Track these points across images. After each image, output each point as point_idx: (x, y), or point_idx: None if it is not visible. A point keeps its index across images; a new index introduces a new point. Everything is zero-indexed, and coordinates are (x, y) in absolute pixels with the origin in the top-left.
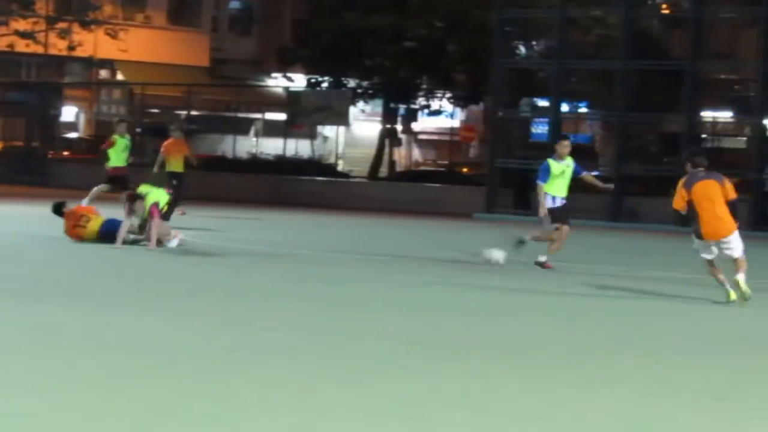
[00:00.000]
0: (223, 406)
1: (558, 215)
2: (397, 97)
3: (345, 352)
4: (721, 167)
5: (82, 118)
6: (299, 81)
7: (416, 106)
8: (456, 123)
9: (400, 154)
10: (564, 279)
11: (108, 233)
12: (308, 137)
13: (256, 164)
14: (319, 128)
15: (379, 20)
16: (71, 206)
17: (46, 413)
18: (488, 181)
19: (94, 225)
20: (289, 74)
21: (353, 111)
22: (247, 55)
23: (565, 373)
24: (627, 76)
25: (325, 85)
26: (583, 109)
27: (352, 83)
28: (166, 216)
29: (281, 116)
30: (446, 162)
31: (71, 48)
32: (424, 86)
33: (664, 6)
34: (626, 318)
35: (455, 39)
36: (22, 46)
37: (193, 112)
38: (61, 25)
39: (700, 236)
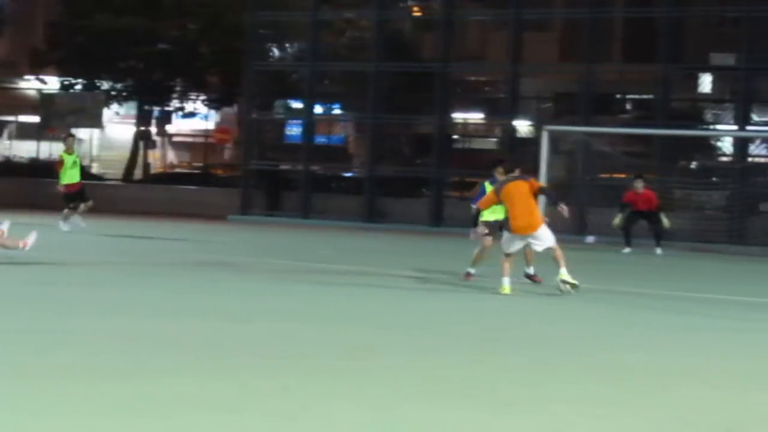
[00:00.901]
0: None
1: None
2: (151, 99)
3: (93, 354)
4: (472, 168)
5: None
6: (53, 83)
7: (170, 109)
8: (210, 125)
9: (154, 157)
10: (320, 279)
11: None
12: (62, 140)
13: (9, 167)
14: (73, 131)
15: (132, 22)
16: None
17: None
18: (242, 183)
19: None
20: (42, 76)
21: (107, 113)
22: None
23: (317, 372)
24: (380, 78)
25: (78, 87)
26: (336, 111)
27: (105, 85)
28: None
29: (35, 119)
30: (201, 164)
31: None
32: (178, 88)
33: (415, 9)
34: (383, 317)
35: (209, 41)
36: None
37: None
38: None
39: (509, 230)
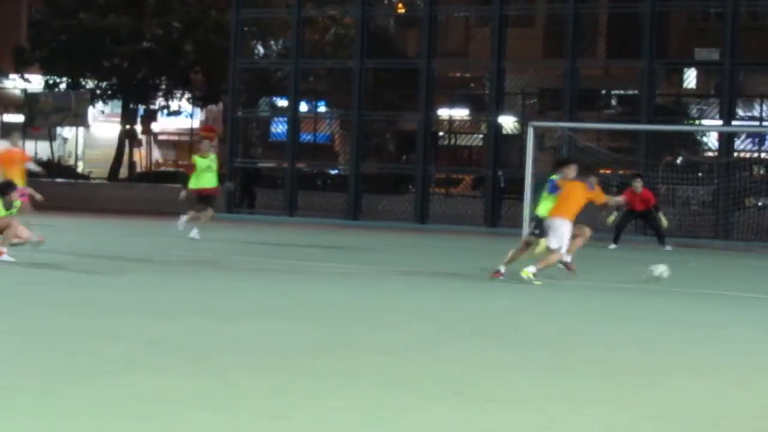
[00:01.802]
0: None
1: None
2: (136, 97)
3: (81, 354)
4: (457, 165)
5: None
6: (37, 82)
7: (155, 107)
8: (196, 123)
9: (140, 155)
10: (307, 277)
11: None
12: (47, 139)
13: None
14: (59, 130)
15: (116, 20)
16: None
17: None
18: (228, 181)
19: None
20: (26, 75)
21: (92, 112)
22: None
23: (306, 371)
24: (364, 75)
25: (63, 86)
26: (321, 108)
27: (90, 84)
28: None
29: (19, 118)
30: (186, 162)
31: None
32: (163, 87)
33: (399, 5)
34: (371, 316)
35: (193, 39)
36: None
37: None
38: None
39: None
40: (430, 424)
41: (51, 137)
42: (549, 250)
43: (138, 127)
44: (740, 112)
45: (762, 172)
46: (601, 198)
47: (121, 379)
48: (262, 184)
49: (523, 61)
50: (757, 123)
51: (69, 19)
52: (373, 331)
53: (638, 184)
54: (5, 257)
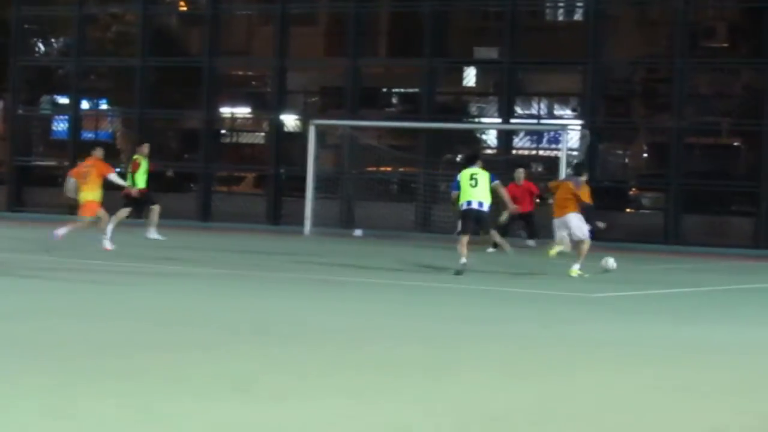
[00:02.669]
0: None
1: None
2: None
3: None
4: (240, 162)
5: None
6: None
7: None
8: None
9: None
10: (94, 277)
11: None
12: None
13: None
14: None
15: None
16: None
17: None
18: (10, 180)
19: None
20: None
21: None
22: None
23: (85, 370)
24: (146, 73)
25: None
26: (103, 106)
27: None
28: None
29: None
30: None
31: None
32: None
33: (182, 3)
34: (159, 314)
35: None
36: None
37: None
38: None
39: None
40: (215, 422)
41: None
42: (580, 243)
43: None
44: (518, 110)
45: (540, 169)
46: (586, 196)
47: None
48: (43, 183)
49: (306, 59)
50: (535, 121)
51: None
52: (162, 330)
53: (520, 175)
54: None
